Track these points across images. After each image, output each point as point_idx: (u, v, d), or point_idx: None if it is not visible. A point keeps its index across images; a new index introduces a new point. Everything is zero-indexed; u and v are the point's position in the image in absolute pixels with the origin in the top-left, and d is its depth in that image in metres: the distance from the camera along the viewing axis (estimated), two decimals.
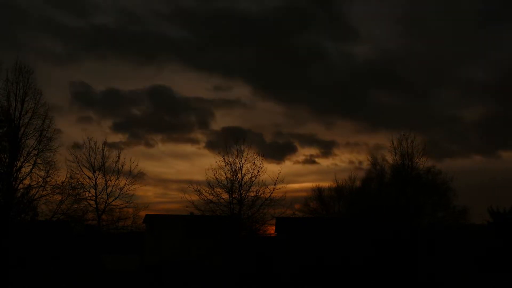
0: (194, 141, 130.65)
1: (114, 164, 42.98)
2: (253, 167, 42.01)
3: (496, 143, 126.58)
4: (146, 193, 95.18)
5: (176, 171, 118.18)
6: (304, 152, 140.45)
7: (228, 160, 42.21)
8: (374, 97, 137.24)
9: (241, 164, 42.30)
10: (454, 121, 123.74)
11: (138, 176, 43.27)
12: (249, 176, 42.06)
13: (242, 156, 42.34)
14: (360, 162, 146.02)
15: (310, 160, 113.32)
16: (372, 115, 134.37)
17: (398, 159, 45.46)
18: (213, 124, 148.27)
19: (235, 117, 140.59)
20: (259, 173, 42.05)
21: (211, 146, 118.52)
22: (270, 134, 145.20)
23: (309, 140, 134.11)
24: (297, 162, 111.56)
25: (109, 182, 42.77)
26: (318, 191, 60.86)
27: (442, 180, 45.70)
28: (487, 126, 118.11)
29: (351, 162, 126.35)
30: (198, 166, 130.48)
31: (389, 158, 46.09)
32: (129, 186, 42.83)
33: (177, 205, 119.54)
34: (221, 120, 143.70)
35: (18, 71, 34.32)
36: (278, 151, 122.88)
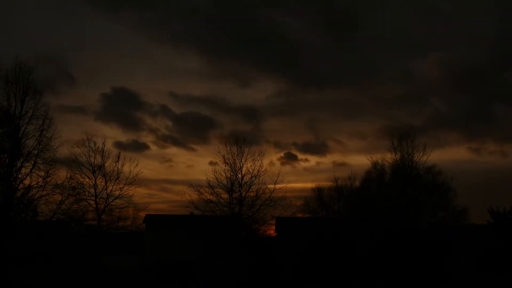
0: (81, 111, 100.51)
1: (114, 164, 43.05)
2: (253, 167, 42.18)
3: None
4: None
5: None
6: (225, 127, 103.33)
7: (229, 160, 42.38)
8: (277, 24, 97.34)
9: (241, 164, 42.42)
10: (407, 77, 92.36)
11: (137, 176, 43.35)
12: (249, 176, 42.21)
13: (243, 156, 42.50)
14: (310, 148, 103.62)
15: (238, 139, 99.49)
16: (294, 67, 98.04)
17: (398, 159, 45.56)
18: (82, 80, 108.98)
19: (107, 71, 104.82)
20: (259, 173, 42.20)
21: (104, 118, 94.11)
22: (164, 99, 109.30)
23: (222, 107, 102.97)
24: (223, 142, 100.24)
25: (109, 182, 42.86)
26: (318, 191, 60.97)
27: (442, 180, 45.84)
28: (455, 77, 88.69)
29: (287, 145, 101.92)
30: None
31: (389, 158, 46.17)
32: (129, 186, 42.91)
33: (164, 205, 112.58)
34: (92, 76, 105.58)
35: (18, 71, 34.32)
36: (190, 127, 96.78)
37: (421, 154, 44.82)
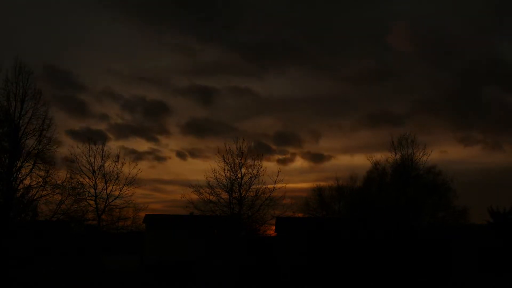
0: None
1: (114, 164, 43.05)
2: (253, 167, 42.16)
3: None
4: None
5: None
6: (179, 112, 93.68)
7: (228, 160, 42.34)
8: None
9: (240, 164, 42.38)
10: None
11: (137, 176, 43.34)
12: (249, 176, 42.17)
13: (242, 155, 42.45)
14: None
15: (196, 129, 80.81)
16: (250, 36, 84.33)
17: (398, 159, 45.51)
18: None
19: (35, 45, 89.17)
20: (259, 173, 42.16)
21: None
22: (105, 78, 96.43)
23: (171, 88, 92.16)
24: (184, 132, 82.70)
25: (108, 182, 42.85)
26: (318, 190, 60.86)
27: (442, 180, 45.79)
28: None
29: (255, 135, 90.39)
30: None
31: (389, 158, 46.11)
32: (128, 186, 42.92)
33: (159, 205, 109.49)
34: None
35: (18, 71, 34.37)
36: (143, 114, 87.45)
37: (421, 154, 44.80)
